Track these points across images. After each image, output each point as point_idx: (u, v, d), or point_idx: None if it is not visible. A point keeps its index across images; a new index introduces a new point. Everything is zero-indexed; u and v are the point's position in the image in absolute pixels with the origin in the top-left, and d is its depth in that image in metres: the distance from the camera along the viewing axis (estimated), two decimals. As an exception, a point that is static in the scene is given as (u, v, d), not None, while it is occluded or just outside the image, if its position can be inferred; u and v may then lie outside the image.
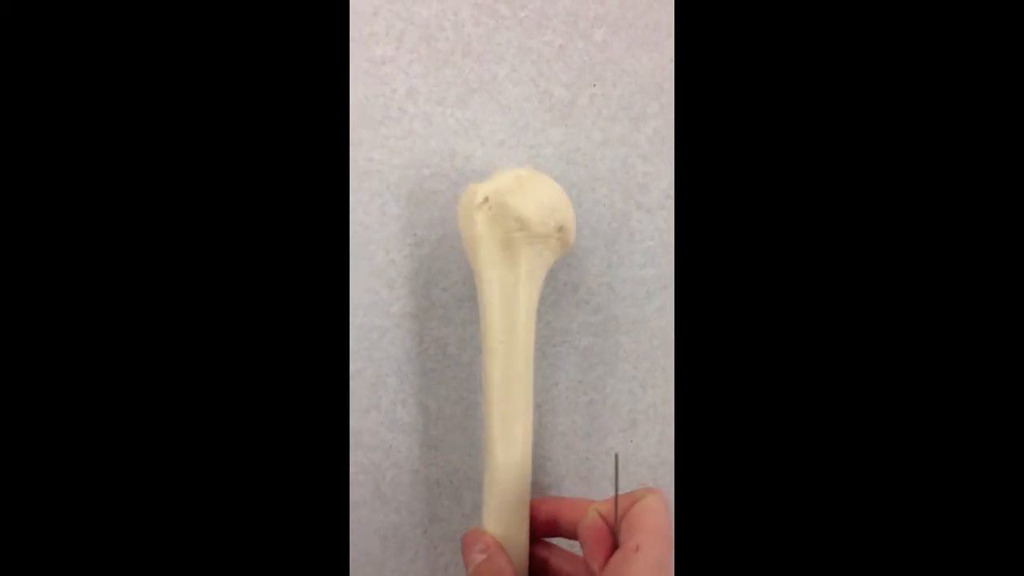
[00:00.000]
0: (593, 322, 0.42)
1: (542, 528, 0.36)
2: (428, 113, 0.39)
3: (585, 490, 0.43)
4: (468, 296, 0.40)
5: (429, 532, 0.42)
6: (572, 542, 0.34)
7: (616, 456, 0.34)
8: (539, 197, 0.34)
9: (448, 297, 0.40)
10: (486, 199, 0.34)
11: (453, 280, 0.40)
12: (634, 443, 0.43)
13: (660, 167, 0.41)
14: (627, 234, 0.42)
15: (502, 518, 0.35)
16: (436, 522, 0.42)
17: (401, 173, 0.39)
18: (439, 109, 0.39)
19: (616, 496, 0.31)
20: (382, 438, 0.41)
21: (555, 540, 0.37)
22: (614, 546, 0.30)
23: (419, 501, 0.41)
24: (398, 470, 0.41)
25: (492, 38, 0.39)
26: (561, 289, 0.41)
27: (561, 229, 0.35)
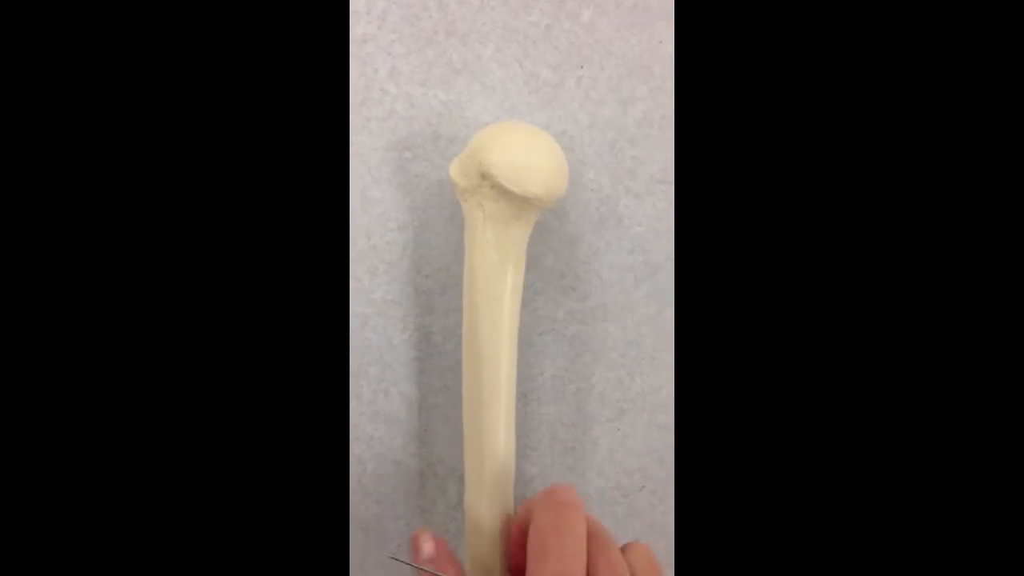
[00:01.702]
0: (580, 309, 0.41)
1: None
2: (411, 94, 0.38)
3: (571, 480, 0.42)
4: (452, 283, 0.40)
5: (412, 525, 0.41)
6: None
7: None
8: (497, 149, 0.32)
9: (432, 284, 0.39)
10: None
11: (437, 267, 0.39)
12: (621, 432, 0.42)
13: (649, 151, 0.41)
14: (615, 220, 0.41)
15: (486, 502, 0.34)
16: (420, 514, 0.41)
17: (382, 156, 0.38)
18: (422, 90, 0.38)
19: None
20: (363, 429, 0.40)
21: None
22: None
23: (401, 493, 0.40)
24: (380, 461, 0.40)
25: (477, 18, 0.38)
26: (547, 276, 0.40)
27: (483, 176, 0.33)
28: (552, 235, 0.40)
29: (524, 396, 0.41)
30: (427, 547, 0.32)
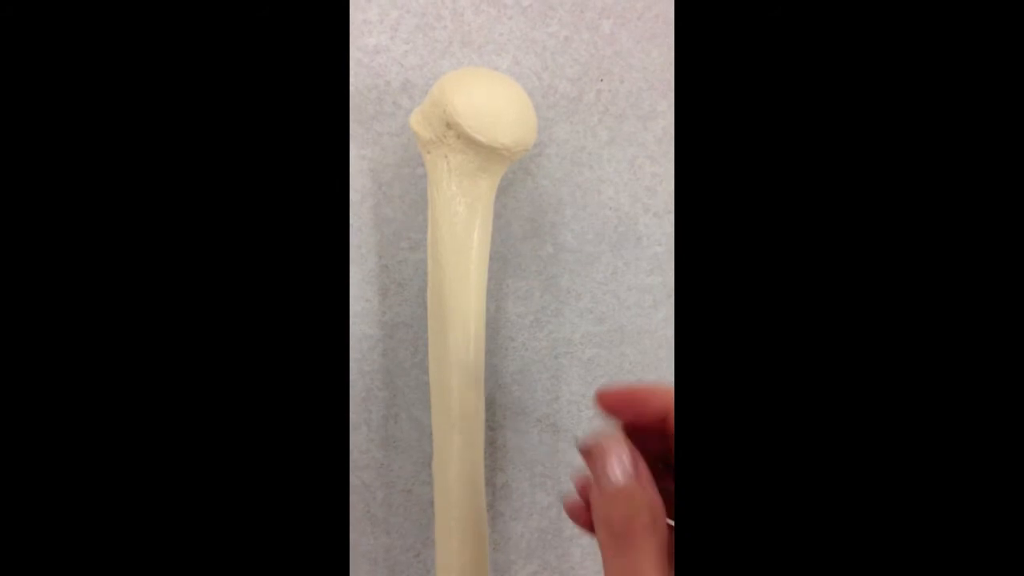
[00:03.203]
0: (597, 332, 0.40)
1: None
2: (424, 108, 0.36)
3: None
4: (465, 304, 0.38)
5: (422, 556, 0.39)
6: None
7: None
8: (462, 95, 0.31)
9: (444, 305, 0.38)
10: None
11: (449, 287, 0.38)
12: (638, 459, 0.41)
13: (669, 168, 0.39)
14: (634, 239, 0.39)
15: (453, 468, 0.33)
16: (430, 545, 0.39)
17: (395, 172, 0.36)
18: (436, 104, 0.36)
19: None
20: (373, 456, 0.38)
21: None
22: None
23: (412, 523, 0.39)
24: (389, 489, 0.38)
25: (493, 28, 0.36)
26: (564, 297, 0.39)
27: (448, 125, 0.31)
28: (569, 255, 0.39)
29: (539, 422, 0.40)
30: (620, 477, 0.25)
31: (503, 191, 0.37)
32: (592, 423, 0.40)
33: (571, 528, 0.41)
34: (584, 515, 0.28)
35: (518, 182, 0.38)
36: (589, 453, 0.26)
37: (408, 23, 0.36)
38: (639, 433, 0.27)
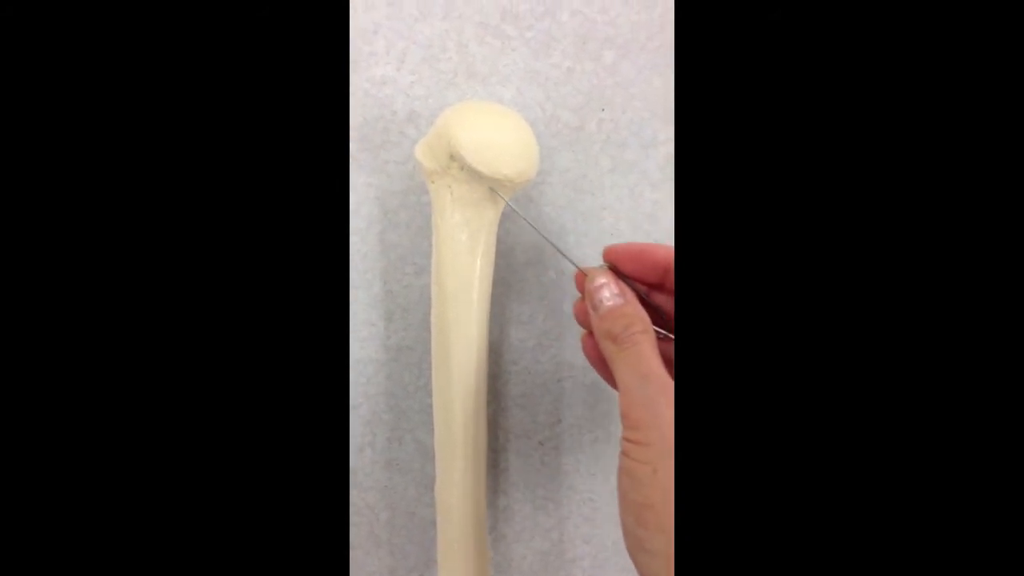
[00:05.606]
0: (599, 356, 0.40)
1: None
2: (430, 137, 0.37)
3: (589, 532, 0.41)
4: (469, 329, 0.39)
5: (425, 577, 0.40)
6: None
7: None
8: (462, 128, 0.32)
9: (448, 330, 0.38)
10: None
11: (453, 312, 0.38)
12: (640, 482, 0.41)
13: (669, 196, 0.40)
14: (635, 265, 0.40)
15: (456, 492, 0.34)
16: (433, 567, 0.40)
17: (401, 200, 0.37)
18: (441, 133, 0.37)
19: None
20: (377, 477, 0.39)
21: None
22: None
23: (415, 544, 0.39)
24: (393, 511, 0.39)
25: (498, 59, 0.37)
26: (566, 322, 0.40)
27: (452, 157, 0.32)
28: (571, 280, 0.39)
29: (541, 445, 0.40)
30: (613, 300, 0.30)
31: (506, 217, 0.38)
32: (594, 447, 0.41)
33: (573, 550, 0.41)
34: (592, 348, 0.32)
35: (521, 209, 0.38)
36: (584, 286, 0.31)
37: (414, 55, 0.37)
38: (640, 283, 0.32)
